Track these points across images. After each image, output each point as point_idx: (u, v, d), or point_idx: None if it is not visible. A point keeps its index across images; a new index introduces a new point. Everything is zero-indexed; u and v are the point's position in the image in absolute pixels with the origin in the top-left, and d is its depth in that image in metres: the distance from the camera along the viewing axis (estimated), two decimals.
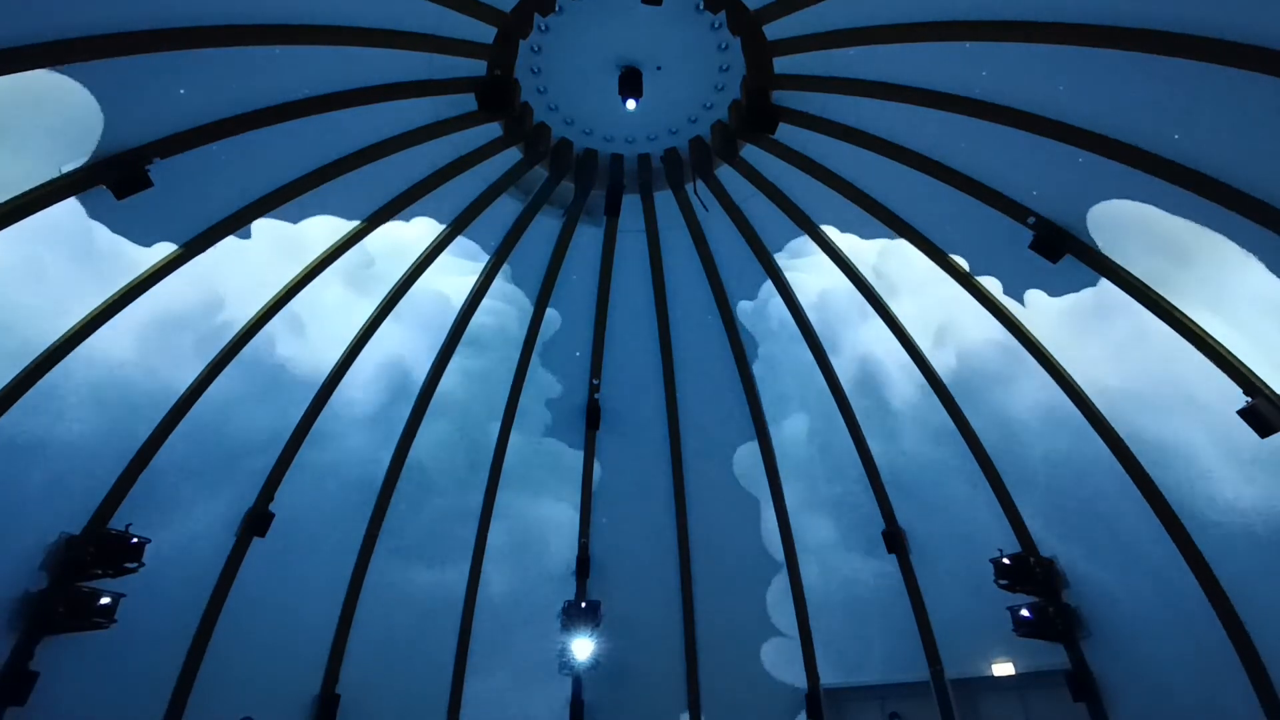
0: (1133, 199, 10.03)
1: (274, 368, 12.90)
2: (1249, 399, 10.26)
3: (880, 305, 13.76)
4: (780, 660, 15.19)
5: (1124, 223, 10.43)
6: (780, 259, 14.30)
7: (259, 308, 12.29)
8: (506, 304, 14.95)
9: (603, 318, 15.34)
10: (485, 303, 14.65)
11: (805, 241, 13.77)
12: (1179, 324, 10.54)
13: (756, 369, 15.61)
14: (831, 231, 13.50)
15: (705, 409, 16.03)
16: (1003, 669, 13.49)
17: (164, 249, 10.82)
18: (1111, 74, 8.99)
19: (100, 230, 10.06)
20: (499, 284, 14.58)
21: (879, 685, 14.62)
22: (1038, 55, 9.35)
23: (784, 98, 11.64)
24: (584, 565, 15.95)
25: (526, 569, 15.88)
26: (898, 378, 14.27)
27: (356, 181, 11.83)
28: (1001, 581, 12.80)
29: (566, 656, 14.13)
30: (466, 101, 11.44)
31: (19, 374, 9.86)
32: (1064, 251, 11.00)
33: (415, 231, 13.29)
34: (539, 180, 13.43)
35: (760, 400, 15.73)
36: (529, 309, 15.06)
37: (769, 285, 14.60)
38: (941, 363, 13.67)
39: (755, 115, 11.47)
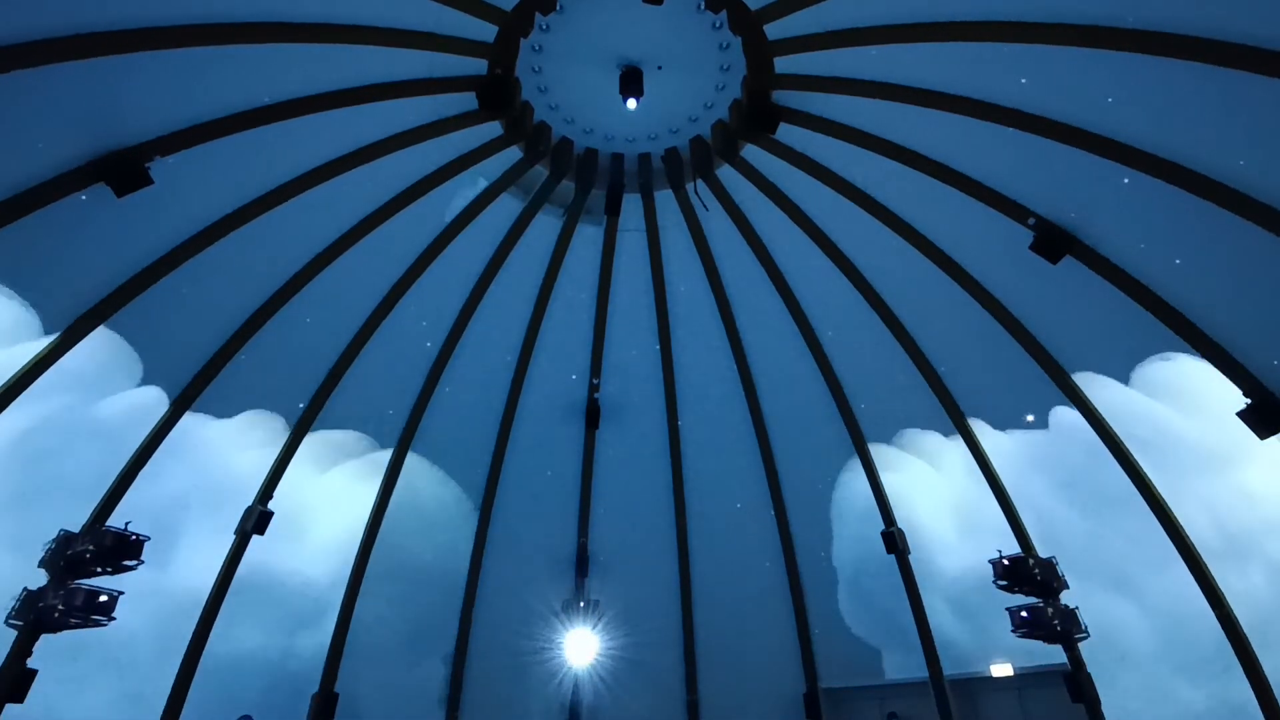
0: (1134, 200, 10.06)
1: None
2: (1248, 400, 10.33)
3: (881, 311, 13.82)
4: (779, 660, 15.18)
5: None
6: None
7: None
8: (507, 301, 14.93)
9: (603, 317, 15.32)
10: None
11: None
12: (1187, 330, 10.65)
13: (754, 365, 15.62)
14: None
15: (705, 409, 16.01)
16: (1001, 669, 13.50)
17: (161, 248, 10.87)
18: (1117, 76, 9.04)
19: None
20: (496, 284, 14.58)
21: (878, 685, 14.63)
22: (1038, 56, 9.37)
23: (785, 97, 11.64)
24: (583, 564, 15.94)
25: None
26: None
27: (357, 180, 11.82)
28: (1000, 582, 12.78)
29: (565, 656, 14.15)
30: (467, 100, 11.43)
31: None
32: (1064, 252, 11.03)
33: None
34: (539, 179, 13.42)
35: (759, 398, 15.71)
36: (529, 308, 15.05)
37: (766, 281, 14.60)
38: None
39: (756, 115, 11.49)
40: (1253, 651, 10.95)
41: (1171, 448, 11.84)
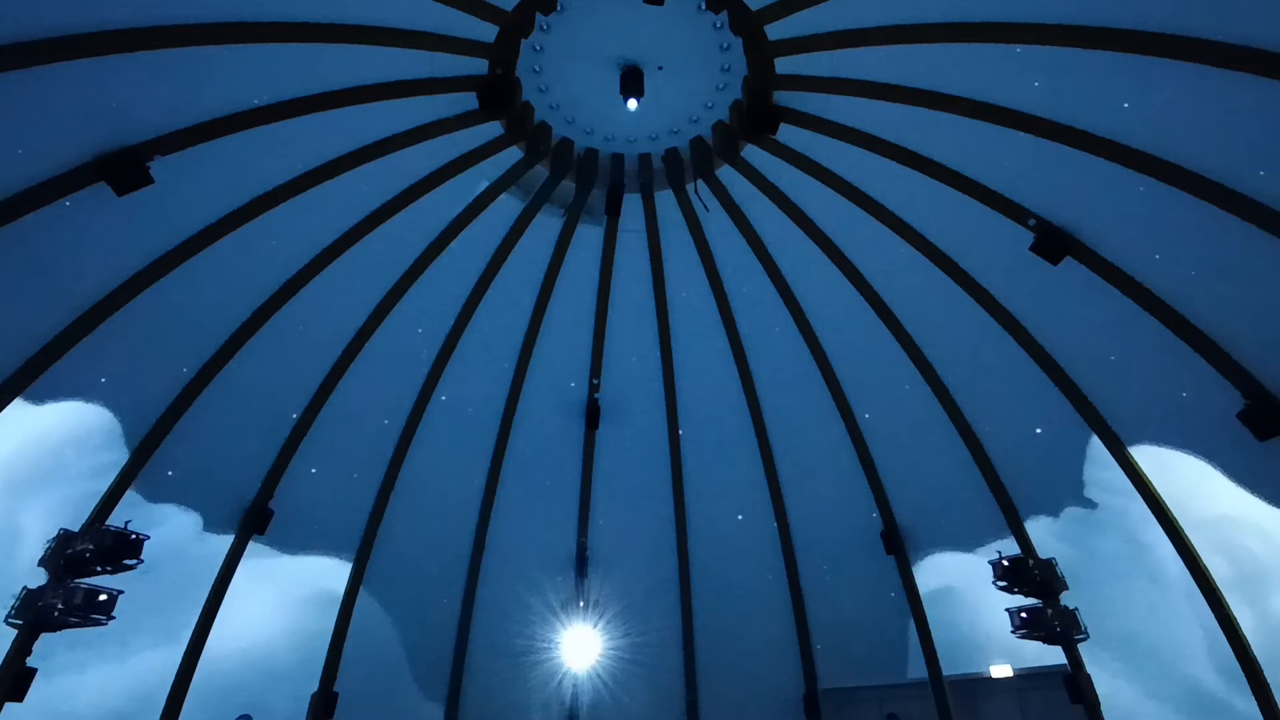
0: (1137, 201, 10.04)
1: None
2: (1246, 401, 10.34)
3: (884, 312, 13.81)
4: (779, 661, 15.18)
5: None
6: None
7: None
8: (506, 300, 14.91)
9: (603, 317, 15.31)
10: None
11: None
12: (1186, 330, 10.59)
13: (753, 365, 15.59)
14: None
15: (705, 409, 16.00)
16: (1000, 670, 13.51)
17: (162, 247, 10.88)
18: (1121, 77, 9.03)
19: None
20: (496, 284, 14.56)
21: (877, 686, 14.63)
22: (1040, 58, 9.36)
23: (786, 98, 11.62)
24: (583, 564, 15.94)
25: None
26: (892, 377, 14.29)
27: (357, 180, 11.82)
28: (1000, 583, 12.79)
29: (564, 656, 14.15)
30: (468, 100, 11.43)
31: None
32: (1064, 253, 11.03)
33: None
34: (539, 179, 13.41)
35: (759, 399, 15.69)
36: (529, 308, 15.04)
37: (767, 282, 14.56)
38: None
39: (757, 116, 11.46)
40: None
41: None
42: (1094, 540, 12.92)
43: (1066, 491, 13.06)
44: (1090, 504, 12.87)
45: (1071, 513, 13.07)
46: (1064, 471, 12.96)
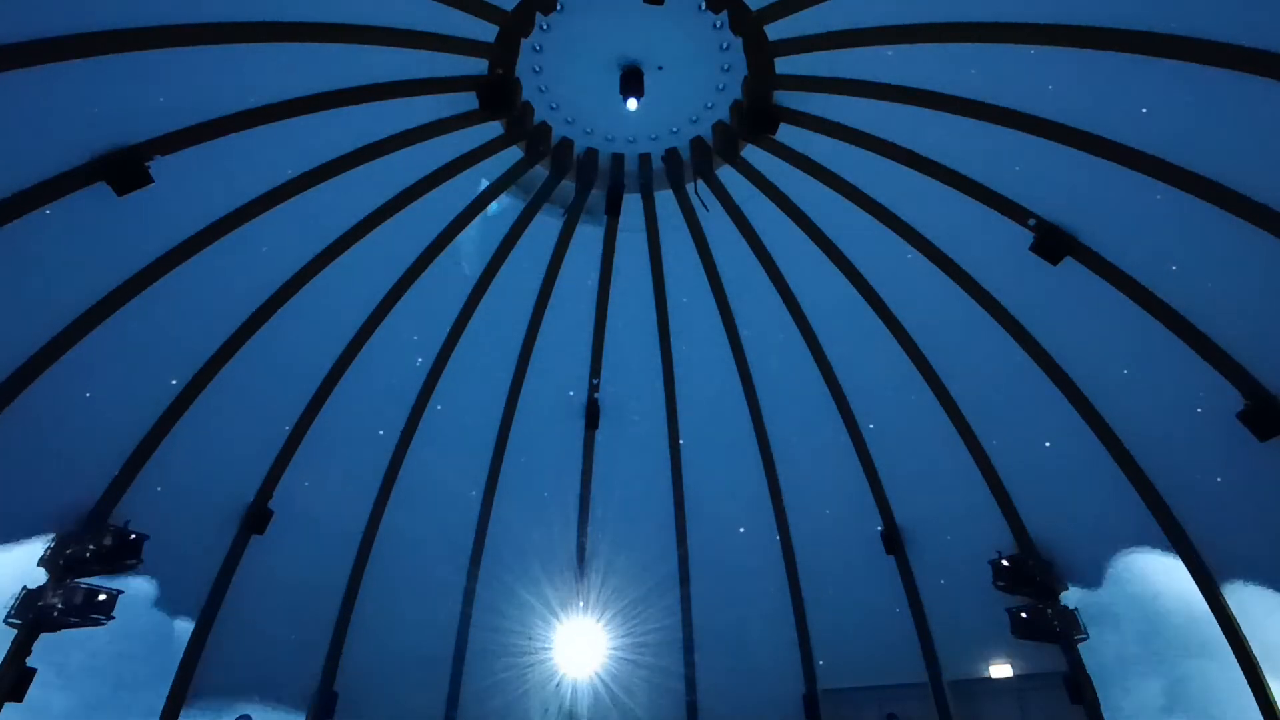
0: (1136, 201, 10.04)
1: None
2: (1247, 402, 10.34)
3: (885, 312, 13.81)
4: (779, 661, 15.17)
5: None
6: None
7: None
8: (507, 300, 14.91)
9: (602, 317, 15.31)
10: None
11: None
12: (1189, 332, 10.61)
13: (754, 366, 15.59)
14: None
15: (704, 408, 16.00)
16: (1000, 671, 13.49)
17: (160, 248, 10.89)
18: (1125, 78, 9.03)
19: None
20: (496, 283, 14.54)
21: (877, 686, 14.60)
22: (1039, 57, 9.36)
23: (785, 98, 11.63)
24: (583, 565, 15.92)
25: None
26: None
27: (357, 179, 11.82)
28: (999, 583, 12.79)
29: (564, 657, 14.15)
30: (468, 100, 11.43)
31: None
32: (1064, 254, 11.03)
33: None
34: (539, 179, 13.42)
35: (759, 400, 15.70)
36: (529, 308, 15.04)
37: (766, 282, 14.55)
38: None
39: (756, 116, 11.49)
40: None
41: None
42: (1100, 555, 12.78)
43: (1069, 497, 13.01)
44: (1095, 515, 12.79)
45: (1076, 522, 13.00)
46: (1066, 474, 12.91)
